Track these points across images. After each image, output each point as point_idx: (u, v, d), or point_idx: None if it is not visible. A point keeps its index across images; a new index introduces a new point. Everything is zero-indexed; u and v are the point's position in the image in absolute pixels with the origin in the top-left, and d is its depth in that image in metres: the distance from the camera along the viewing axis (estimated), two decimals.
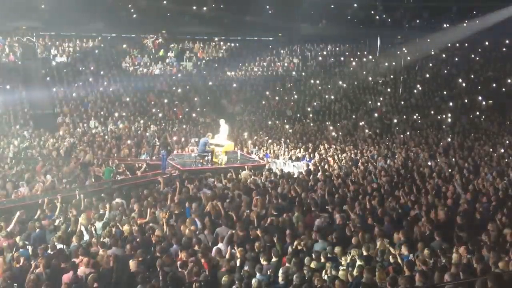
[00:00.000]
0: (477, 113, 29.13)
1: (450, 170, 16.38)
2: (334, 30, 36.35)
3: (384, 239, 9.27)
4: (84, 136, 22.49)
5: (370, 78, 33.88)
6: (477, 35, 35.64)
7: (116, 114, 26.16)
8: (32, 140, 21.56)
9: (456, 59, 36.32)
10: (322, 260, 8.62)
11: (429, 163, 17.75)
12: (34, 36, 29.83)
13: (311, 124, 26.87)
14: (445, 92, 32.40)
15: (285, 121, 27.41)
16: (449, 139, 22.71)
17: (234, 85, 31.61)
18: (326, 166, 17.58)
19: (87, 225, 11.11)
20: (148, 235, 10.37)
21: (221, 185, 14.63)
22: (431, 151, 19.99)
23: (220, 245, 9.57)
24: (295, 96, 30.79)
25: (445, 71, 35.10)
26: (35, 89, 26.05)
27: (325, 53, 36.98)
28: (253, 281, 7.77)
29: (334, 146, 21.34)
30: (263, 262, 8.57)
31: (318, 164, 17.81)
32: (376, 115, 28.35)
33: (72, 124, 24.72)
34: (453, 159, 18.35)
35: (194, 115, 27.34)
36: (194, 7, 34.57)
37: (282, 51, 36.72)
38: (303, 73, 34.19)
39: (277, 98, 30.63)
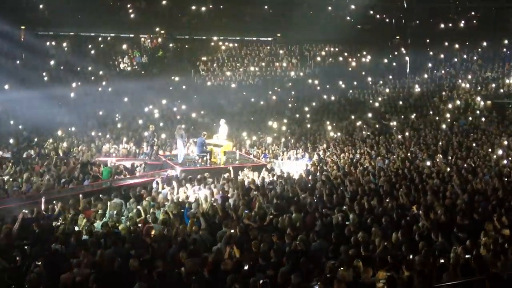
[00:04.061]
0: (478, 112, 29.19)
1: (448, 170, 16.40)
2: (333, 30, 36.37)
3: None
4: (83, 136, 22.49)
5: (369, 78, 33.93)
6: (476, 35, 35.77)
7: (115, 114, 26.13)
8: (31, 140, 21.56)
9: (456, 59, 36.37)
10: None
11: (428, 163, 17.77)
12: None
13: (309, 126, 26.88)
14: (443, 93, 32.46)
15: (284, 121, 27.39)
16: (448, 139, 22.74)
17: (233, 85, 31.63)
18: (325, 166, 17.58)
19: (86, 225, 11.10)
20: (146, 235, 10.35)
21: (220, 185, 14.62)
22: (430, 151, 20.01)
23: (219, 245, 9.55)
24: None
25: (444, 71, 35.16)
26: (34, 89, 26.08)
27: (323, 53, 37.00)
28: (252, 280, 7.75)
29: (333, 146, 21.35)
30: (262, 262, 8.55)
31: (317, 164, 17.81)
32: (369, 115, 28.33)
33: (71, 124, 24.67)
34: (452, 160, 18.36)
35: (194, 115, 27.31)
36: (193, 7, 34.58)
37: (280, 52, 36.73)
38: (302, 73, 34.22)
39: (274, 97, 30.63)
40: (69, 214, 11.88)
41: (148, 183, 15.59)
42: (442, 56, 36.76)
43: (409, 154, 19.61)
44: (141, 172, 17.78)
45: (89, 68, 30.59)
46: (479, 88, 32.86)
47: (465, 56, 36.84)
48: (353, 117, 28.28)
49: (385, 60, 36.21)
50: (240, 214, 11.53)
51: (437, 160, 18.42)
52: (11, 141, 20.62)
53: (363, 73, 34.51)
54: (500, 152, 19.24)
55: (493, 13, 37.87)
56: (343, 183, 14.37)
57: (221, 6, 35.41)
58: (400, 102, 31.30)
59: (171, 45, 34.43)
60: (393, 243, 9.38)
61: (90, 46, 33.10)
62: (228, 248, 9.33)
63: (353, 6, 36.27)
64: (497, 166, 17.05)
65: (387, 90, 32.79)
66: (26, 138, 21.95)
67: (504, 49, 36.15)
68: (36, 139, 21.65)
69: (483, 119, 27.55)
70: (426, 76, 34.52)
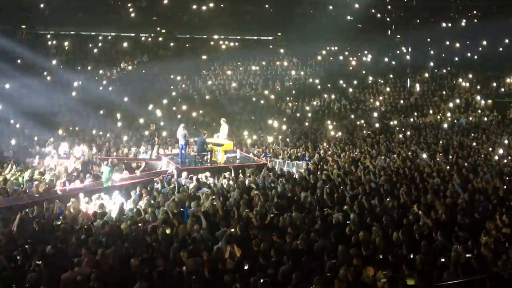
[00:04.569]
0: (479, 111, 29.21)
1: (448, 168, 16.40)
2: (334, 29, 36.32)
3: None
4: (84, 136, 22.50)
5: (370, 78, 33.93)
6: (477, 34, 35.72)
7: (116, 114, 26.11)
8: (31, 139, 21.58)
9: (456, 58, 36.32)
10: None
11: (424, 156, 17.84)
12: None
13: (307, 124, 26.91)
14: (444, 92, 32.47)
15: (284, 120, 27.41)
16: (448, 139, 22.74)
17: (234, 84, 31.62)
18: (325, 166, 17.56)
19: (86, 224, 11.10)
20: (147, 234, 10.35)
21: (220, 184, 14.63)
22: (430, 150, 20.01)
23: (220, 244, 9.55)
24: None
25: (445, 71, 35.13)
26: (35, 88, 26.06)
27: (324, 52, 36.95)
28: (253, 280, 7.75)
29: (333, 145, 21.34)
30: (263, 261, 8.55)
31: (317, 163, 17.81)
32: (375, 114, 28.36)
33: (72, 123, 24.69)
34: (453, 159, 18.36)
35: (194, 114, 27.29)
36: (194, 6, 34.56)
37: (281, 50, 36.71)
38: (302, 72, 34.21)
39: (272, 97, 30.61)
40: (70, 213, 11.89)
41: (148, 182, 15.61)
42: (443, 55, 36.71)
43: (410, 153, 19.60)
44: (142, 171, 17.77)
45: (90, 68, 30.56)
46: (479, 87, 32.87)
47: (466, 55, 36.77)
48: (352, 116, 28.33)
49: (386, 59, 36.17)
50: (241, 213, 11.54)
51: (438, 159, 18.43)
52: (12, 141, 20.66)
53: (364, 72, 34.50)
54: (500, 151, 19.25)
55: (494, 12, 37.80)
56: (344, 182, 14.37)
57: (222, 5, 35.37)
58: (401, 101, 31.34)
59: (171, 44, 34.40)
60: (393, 242, 9.38)
61: (90, 45, 33.08)
62: (229, 247, 9.33)
63: (354, 5, 36.23)
64: (498, 165, 17.06)
65: (388, 89, 32.79)
66: (27, 137, 21.96)
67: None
68: (36, 138, 21.64)
69: (485, 118, 27.58)
70: (427, 75, 34.50)
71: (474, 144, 21.56)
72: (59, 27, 32.02)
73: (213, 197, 12.46)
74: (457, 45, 36.74)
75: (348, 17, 37.48)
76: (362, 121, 26.92)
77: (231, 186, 14.34)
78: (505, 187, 13.53)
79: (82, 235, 10.25)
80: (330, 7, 36.59)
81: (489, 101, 31.36)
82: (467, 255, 8.30)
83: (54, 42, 32.07)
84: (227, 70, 33.16)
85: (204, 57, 34.01)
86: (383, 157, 18.64)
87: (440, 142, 21.76)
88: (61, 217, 11.72)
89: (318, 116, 28.61)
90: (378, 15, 38.45)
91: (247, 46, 36.58)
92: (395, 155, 19.06)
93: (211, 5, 34.01)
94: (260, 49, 36.50)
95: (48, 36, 32.26)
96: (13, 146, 20.24)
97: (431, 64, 35.74)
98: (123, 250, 9.45)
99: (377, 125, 26.12)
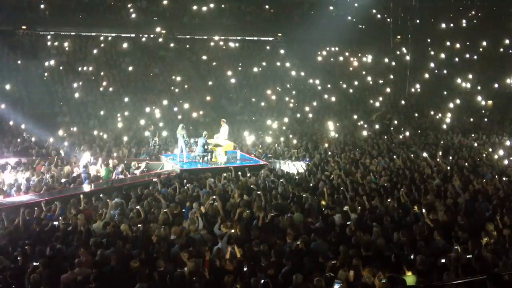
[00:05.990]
0: (483, 111, 29.22)
1: (449, 168, 16.40)
2: (334, 29, 36.35)
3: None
4: (84, 136, 22.49)
5: (370, 78, 33.91)
6: (477, 34, 35.74)
7: (116, 114, 26.10)
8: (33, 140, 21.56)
9: (456, 59, 36.31)
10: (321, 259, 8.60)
11: (425, 155, 17.86)
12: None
13: (307, 125, 26.91)
14: (445, 92, 32.45)
15: (285, 121, 27.40)
16: (449, 139, 22.75)
17: (233, 81, 31.54)
18: (326, 166, 17.55)
19: (86, 225, 11.09)
20: (147, 235, 10.34)
21: (221, 184, 14.63)
22: (431, 150, 20.00)
23: (220, 245, 9.55)
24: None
25: (445, 71, 35.12)
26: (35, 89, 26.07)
27: (324, 53, 36.92)
28: (253, 280, 7.74)
29: (334, 146, 21.34)
30: (263, 262, 8.54)
31: (318, 164, 17.79)
32: (376, 115, 28.37)
33: (72, 124, 24.68)
34: (453, 159, 18.36)
35: (194, 114, 27.26)
36: (194, 7, 34.55)
37: (281, 51, 36.67)
38: (303, 73, 34.18)
39: (274, 97, 30.56)
40: (70, 214, 11.88)
41: (148, 183, 15.60)
42: (443, 55, 36.68)
43: (410, 154, 19.59)
44: (142, 172, 17.77)
45: (90, 68, 30.54)
46: (479, 87, 32.85)
47: (467, 56, 36.75)
48: (355, 117, 28.31)
49: (386, 60, 36.14)
50: (241, 213, 11.52)
51: (438, 159, 18.42)
52: (18, 140, 20.68)
53: (364, 72, 34.48)
54: (501, 152, 19.25)
55: (494, 12, 37.81)
56: (344, 183, 14.36)
57: (222, 6, 35.33)
58: (402, 102, 31.32)
59: (172, 44, 34.37)
60: (394, 243, 9.38)
61: (91, 46, 33.03)
62: (230, 248, 9.32)
63: (354, 5, 36.19)
64: (498, 165, 17.06)
65: (388, 90, 32.77)
66: (27, 139, 21.94)
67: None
68: (34, 139, 21.62)
69: (486, 119, 27.58)
70: (427, 75, 34.47)
71: (475, 144, 21.56)
72: (59, 27, 31.97)
73: (213, 197, 12.46)
74: (457, 45, 36.71)
75: (349, 18, 37.44)
76: (363, 122, 26.92)
77: (232, 187, 14.33)
78: (505, 187, 13.52)
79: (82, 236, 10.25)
80: (331, 8, 36.57)
81: (489, 102, 31.35)
82: (468, 256, 8.30)
83: (56, 43, 32.02)
84: (228, 70, 33.11)
85: (204, 57, 33.96)
86: (381, 157, 18.64)
87: (441, 143, 21.76)
88: (61, 218, 11.70)
89: (318, 117, 28.59)
90: (378, 16, 38.38)
91: (248, 47, 36.56)
92: (395, 156, 19.06)
93: (211, 6, 33.97)
94: (260, 50, 36.49)
95: (48, 36, 32.20)
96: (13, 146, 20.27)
97: (431, 64, 35.70)
98: (124, 250, 9.44)
99: (377, 125, 26.12)
